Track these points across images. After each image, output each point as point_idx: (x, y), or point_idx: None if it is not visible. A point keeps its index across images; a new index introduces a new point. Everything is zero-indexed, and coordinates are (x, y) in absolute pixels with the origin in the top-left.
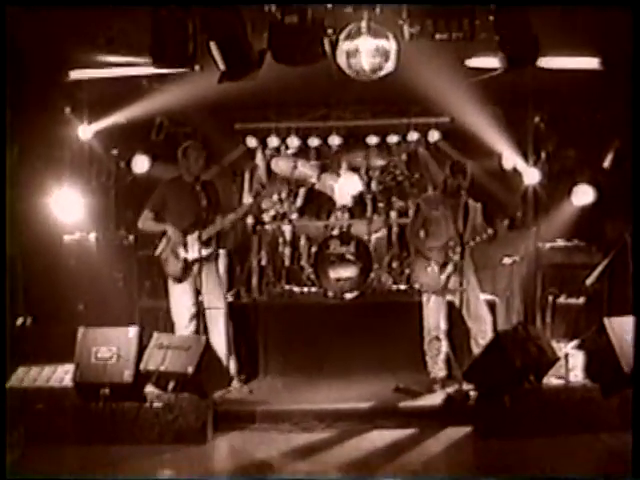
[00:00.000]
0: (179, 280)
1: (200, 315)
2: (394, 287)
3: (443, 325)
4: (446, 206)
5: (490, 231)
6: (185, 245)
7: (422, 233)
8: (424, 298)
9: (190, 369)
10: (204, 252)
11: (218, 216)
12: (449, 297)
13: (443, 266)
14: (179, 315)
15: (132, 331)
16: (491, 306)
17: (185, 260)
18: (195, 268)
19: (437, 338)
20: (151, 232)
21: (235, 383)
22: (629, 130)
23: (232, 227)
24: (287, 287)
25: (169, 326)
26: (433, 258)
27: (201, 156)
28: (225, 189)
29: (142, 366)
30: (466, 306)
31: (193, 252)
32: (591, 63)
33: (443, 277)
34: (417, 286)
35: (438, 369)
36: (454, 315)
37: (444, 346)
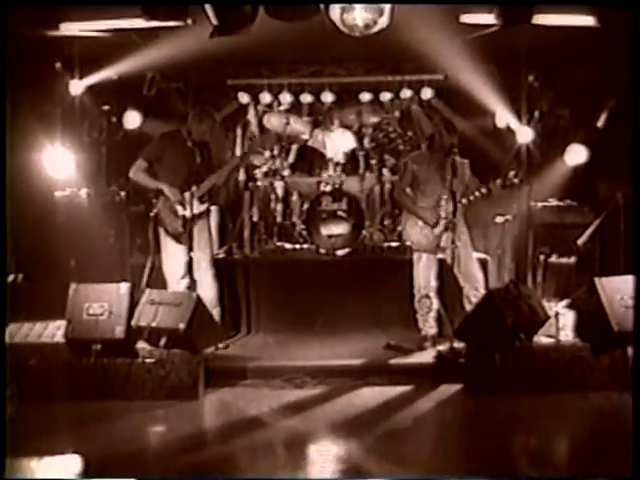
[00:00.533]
0: (178, 238)
1: (192, 271)
2: (386, 244)
3: (434, 283)
4: (434, 164)
5: (484, 189)
6: (183, 203)
7: (410, 191)
8: (415, 256)
9: (182, 325)
10: (199, 208)
11: (211, 174)
12: (441, 255)
13: (435, 224)
14: (172, 271)
15: (124, 287)
16: (483, 264)
17: (184, 217)
18: (192, 224)
19: (427, 296)
20: (142, 185)
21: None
22: (625, 89)
23: (225, 183)
24: (279, 244)
25: (161, 282)
26: (425, 216)
27: (213, 123)
28: (218, 145)
29: (134, 322)
30: (458, 264)
31: (191, 209)
32: (587, 21)
33: (435, 235)
34: (409, 244)
35: (429, 327)
36: (446, 273)
37: (435, 304)
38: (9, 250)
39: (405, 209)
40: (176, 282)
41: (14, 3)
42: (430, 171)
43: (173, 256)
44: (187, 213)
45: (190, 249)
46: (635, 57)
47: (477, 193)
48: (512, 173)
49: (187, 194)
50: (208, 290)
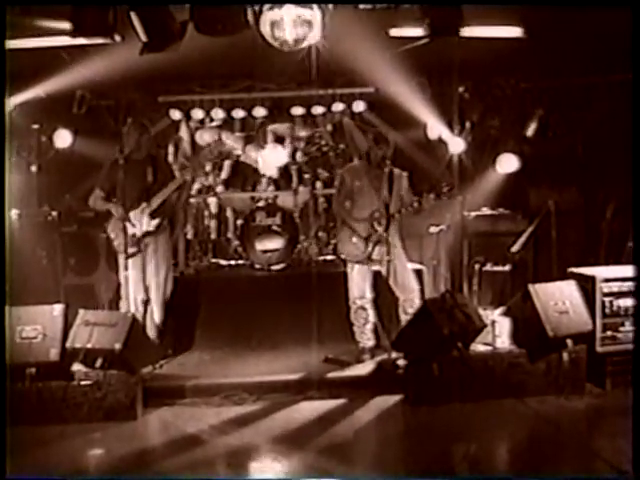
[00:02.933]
0: (130, 256)
1: (147, 290)
2: (321, 258)
3: (369, 294)
4: (370, 176)
5: (415, 203)
6: (130, 220)
7: (348, 204)
8: (348, 268)
9: (117, 345)
10: (150, 225)
11: (163, 188)
12: (375, 267)
13: (368, 237)
14: (130, 290)
15: (57, 309)
16: (418, 275)
17: (134, 235)
18: (144, 242)
19: (363, 308)
20: (100, 211)
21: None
22: (551, 99)
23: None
24: (214, 260)
25: (95, 303)
26: (358, 229)
27: (144, 132)
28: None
29: (68, 344)
30: (393, 275)
31: (141, 226)
32: (514, 32)
33: (368, 247)
34: (342, 256)
35: (366, 339)
36: (381, 284)
37: (371, 315)
38: None
39: (340, 221)
40: (133, 301)
41: (14, 3)
42: (365, 184)
43: (129, 274)
44: (137, 231)
45: (144, 268)
46: (635, 57)
47: (410, 208)
48: (444, 185)
49: (135, 211)
50: (156, 312)
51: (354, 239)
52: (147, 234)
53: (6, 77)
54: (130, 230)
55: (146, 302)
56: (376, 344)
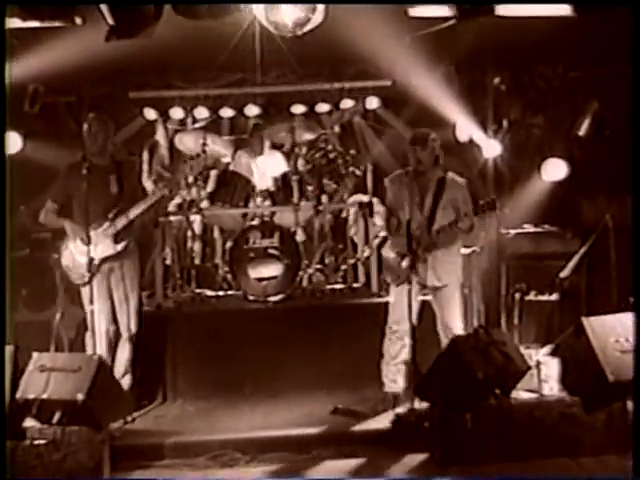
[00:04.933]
0: (85, 284)
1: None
2: (328, 287)
3: (407, 323)
4: (411, 186)
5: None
6: (89, 241)
7: (394, 220)
8: (391, 288)
9: (80, 395)
10: (114, 249)
11: (134, 204)
12: (422, 296)
13: (407, 256)
14: (96, 327)
15: (5, 352)
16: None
17: (92, 260)
18: (105, 268)
19: (398, 336)
20: (54, 228)
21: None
22: (609, 90)
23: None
24: (198, 291)
25: (52, 344)
26: (398, 246)
27: (110, 130)
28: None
29: (19, 394)
30: (438, 308)
31: (103, 249)
32: (562, 10)
33: (407, 268)
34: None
35: (391, 380)
36: (425, 316)
37: (406, 351)
38: None
39: (388, 234)
40: (97, 342)
41: (14, 3)
42: (404, 193)
43: (89, 307)
44: (96, 254)
45: (110, 298)
46: (635, 57)
47: (464, 223)
48: (487, 205)
49: (96, 231)
50: (124, 351)
51: (392, 256)
52: (109, 258)
53: (6, 77)
54: (87, 253)
55: (115, 342)
56: (405, 388)
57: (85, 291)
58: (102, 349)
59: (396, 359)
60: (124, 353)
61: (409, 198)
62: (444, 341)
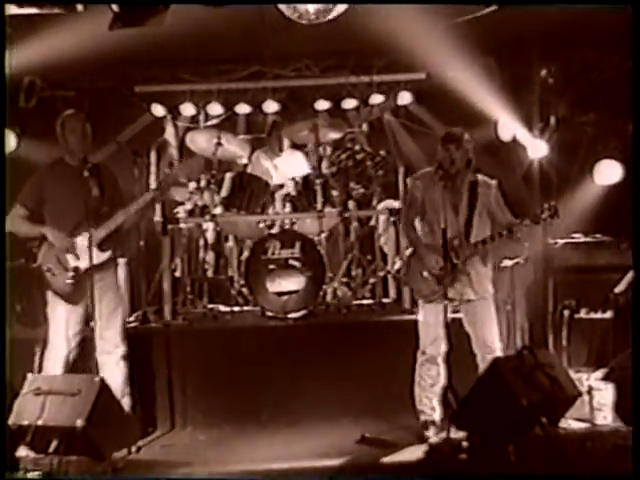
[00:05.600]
0: (69, 298)
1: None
2: (355, 302)
3: (443, 345)
4: (446, 189)
5: (505, 232)
6: (73, 250)
7: (419, 225)
8: (419, 307)
9: (80, 422)
10: (99, 258)
11: (117, 210)
12: (452, 312)
13: (442, 271)
14: (59, 346)
15: None
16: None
17: (76, 270)
18: (87, 279)
19: (433, 360)
20: (24, 236)
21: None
22: None
23: (135, 226)
24: (211, 306)
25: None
26: (429, 260)
27: (85, 130)
28: (124, 175)
29: (12, 420)
30: (472, 324)
31: (85, 259)
32: None
33: (442, 285)
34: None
35: (429, 408)
36: (459, 335)
37: (443, 375)
38: None
39: (410, 248)
40: (62, 362)
41: (14, 3)
42: (436, 197)
43: (61, 324)
44: (81, 264)
45: (88, 315)
46: (635, 57)
47: (496, 235)
48: (548, 213)
49: (80, 239)
50: (114, 372)
51: (425, 273)
52: (91, 269)
53: (6, 77)
54: (71, 263)
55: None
56: (440, 418)
57: (57, 305)
58: (57, 368)
59: (433, 386)
60: (118, 374)
61: (442, 202)
62: (482, 362)
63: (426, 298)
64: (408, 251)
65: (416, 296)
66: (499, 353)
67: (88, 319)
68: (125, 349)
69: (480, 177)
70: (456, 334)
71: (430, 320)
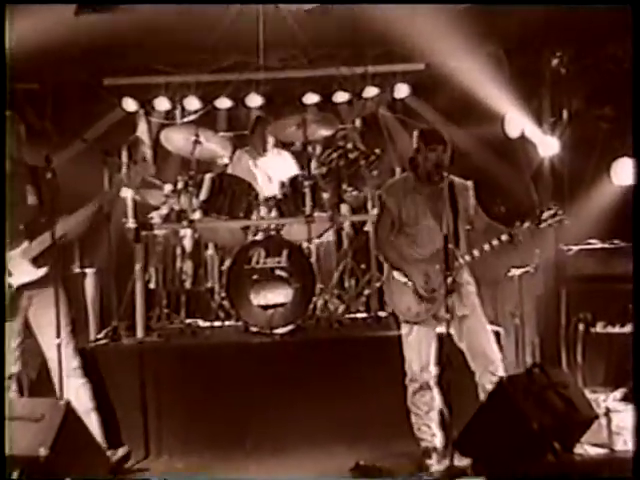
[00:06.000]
0: (5, 316)
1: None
2: (348, 316)
3: (434, 368)
4: (423, 195)
5: (505, 236)
6: (8, 265)
7: (394, 238)
8: (404, 330)
9: (43, 450)
10: (36, 274)
11: (60, 218)
12: (440, 328)
13: (431, 285)
14: (64, 365)
15: None
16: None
17: (9, 287)
18: (24, 297)
19: (426, 386)
20: None
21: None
22: None
23: (86, 233)
24: (189, 321)
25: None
26: (415, 275)
27: (20, 131)
28: (93, 177)
29: None
30: (467, 339)
31: (21, 274)
32: None
33: (432, 301)
34: (390, 312)
35: (430, 434)
36: (450, 353)
37: (437, 399)
38: None
39: (389, 263)
40: (64, 382)
41: (14, 3)
42: (417, 207)
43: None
44: (13, 280)
45: (25, 334)
46: (636, 56)
47: (495, 241)
48: (548, 213)
49: (14, 253)
50: (80, 395)
51: (409, 288)
52: (28, 286)
53: (6, 76)
54: (6, 279)
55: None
56: (446, 442)
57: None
58: (68, 394)
59: (428, 412)
60: (84, 397)
61: (422, 212)
62: (482, 378)
63: (414, 318)
64: (386, 272)
65: (401, 318)
66: (500, 364)
67: (26, 338)
68: (81, 364)
69: (457, 179)
70: (446, 352)
71: (418, 344)
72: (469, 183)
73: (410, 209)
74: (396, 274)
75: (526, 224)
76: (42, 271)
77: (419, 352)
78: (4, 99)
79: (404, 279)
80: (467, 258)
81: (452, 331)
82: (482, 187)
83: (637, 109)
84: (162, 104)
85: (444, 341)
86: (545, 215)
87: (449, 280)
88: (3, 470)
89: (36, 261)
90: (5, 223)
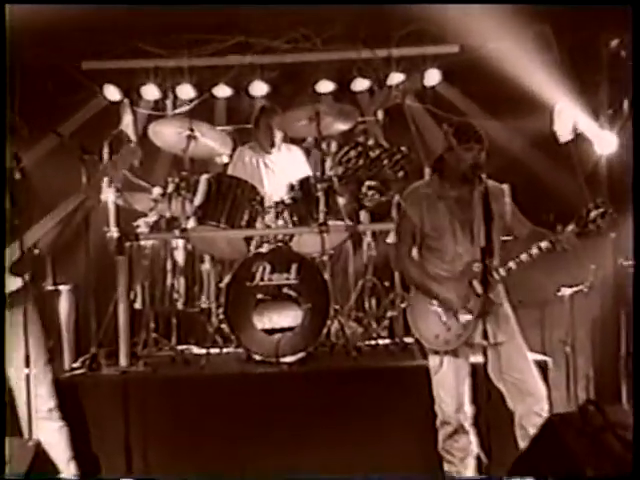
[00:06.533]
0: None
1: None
2: (368, 343)
3: (469, 407)
4: (454, 202)
5: (545, 243)
6: None
7: (416, 254)
8: (432, 362)
9: None
10: (13, 285)
11: (35, 224)
12: (474, 358)
13: (464, 306)
14: (33, 399)
15: None
16: (541, 369)
17: None
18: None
19: (462, 430)
20: None
21: None
22: None
23: (66, 242)
24: (181, 347)
25: None
26: (444, 295)
27: None
28: (67, 178)
29: None
30: (502, 372)
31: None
32: None
33: (463, 325)
34: (415, 339)
35: None
36: (485, 387)
37: (474, 443)
38: None
39: (411, 284)
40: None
41: (14, 3)
42: (442, 215)
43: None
44: None
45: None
46: (636, 56)
47: (534, 250)
48: (596, 212)
49: None
50: (53, 434)
51: (437, 311)
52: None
53: (6, 75)
54: None
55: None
56: None
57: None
58: (39, 432)
59: (464, 459)
60: (57, 436)
61: (450, 221)
62: (524, 419)
63: (444, 347)
64: (412, 293)
65: (428, 347)
66: (547, 402)
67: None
68: (56, 400)
69: (490, 182)
70: (484, 387)
71: (451, 379)
72: (505, 186)
73: (434, 218)
74: (420, 295)
75: (570, 227)
76: (19, 282)
77: (452, 389)
78: (4, 98)
79: (429, 301)
80: (502, 272)
81: (487, 364)
82: (526, 191)
83: (637, 111)
84: (150, 92)
85: (479, 373)
86: (593, 215)
87: (483, 299)
88: (3, 470)
89: (12, 270)
90: (5, 224)
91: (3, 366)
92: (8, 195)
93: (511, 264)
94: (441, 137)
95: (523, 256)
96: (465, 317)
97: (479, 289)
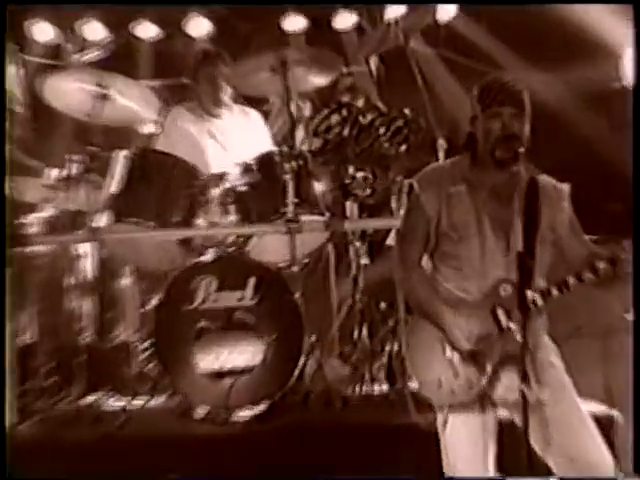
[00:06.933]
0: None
1: None
2: (359, 389)
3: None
4: (486, 195)
5: (602, 264)
6: None
7: (427, 261)
8: (440, 418)
9: None
10: None
11: None
12: (502, 412)
13: (477, 346)
14: None
15: None
16: (603, 428)
17: None
18: None
19: None
20: None
21: None
22: None
23: None
24: (92, 398)
25: None
26: (452, 325)
27: None
28: None
29: None
30: (546, 435)
31: None
32: None
33: (484, 372)
34: (415, 388)
35: None
36: (515, 451)
37: None
38: None
39: (416, 307)
40: None
41: (14, 3)
42: (469, 211)
43: None
44: None
45: None
46: (636, 56)
47: (588, 274)
48: None
49: None
50: None
51: (447, 353)
52: None
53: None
54: None
55: None
56: None
57: None
58: None
59: None
60: None
61: (477, 221)
62: None
63: (456, 400)
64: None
65: (435, 400)
66: (612, 471)
67: None
68: None
69: (543, 178)
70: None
71: (465, 442)
72: (564, 187)
73: (457, 213)
74: (422, 323)
75: (627, 241)
76: None
77: (466, 456)
78: (4, 98)
79: (436, 333)
80: (540, 300)
81: (517, 419)
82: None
83: (637, 112)
84: (45, 32)
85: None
86: None
87: (508, 334)
88: (3, 470)
89: None
90: (5, 222)
91: (3, 361)
92: None
93: (554, 290)
94: (462, 95)
95: (571, 280)
96: (482, 361)
97: (504, 321)
